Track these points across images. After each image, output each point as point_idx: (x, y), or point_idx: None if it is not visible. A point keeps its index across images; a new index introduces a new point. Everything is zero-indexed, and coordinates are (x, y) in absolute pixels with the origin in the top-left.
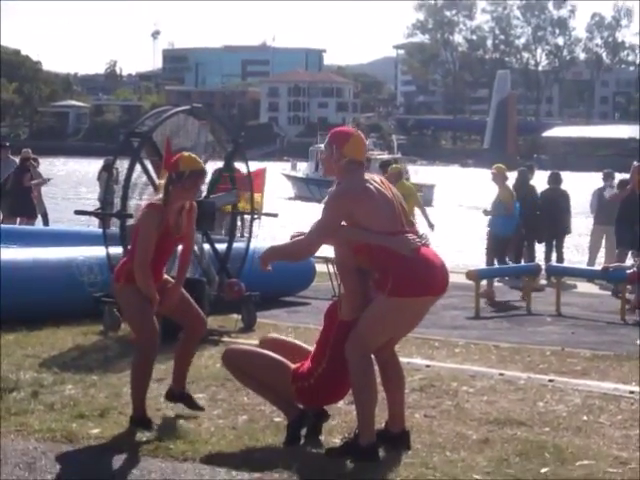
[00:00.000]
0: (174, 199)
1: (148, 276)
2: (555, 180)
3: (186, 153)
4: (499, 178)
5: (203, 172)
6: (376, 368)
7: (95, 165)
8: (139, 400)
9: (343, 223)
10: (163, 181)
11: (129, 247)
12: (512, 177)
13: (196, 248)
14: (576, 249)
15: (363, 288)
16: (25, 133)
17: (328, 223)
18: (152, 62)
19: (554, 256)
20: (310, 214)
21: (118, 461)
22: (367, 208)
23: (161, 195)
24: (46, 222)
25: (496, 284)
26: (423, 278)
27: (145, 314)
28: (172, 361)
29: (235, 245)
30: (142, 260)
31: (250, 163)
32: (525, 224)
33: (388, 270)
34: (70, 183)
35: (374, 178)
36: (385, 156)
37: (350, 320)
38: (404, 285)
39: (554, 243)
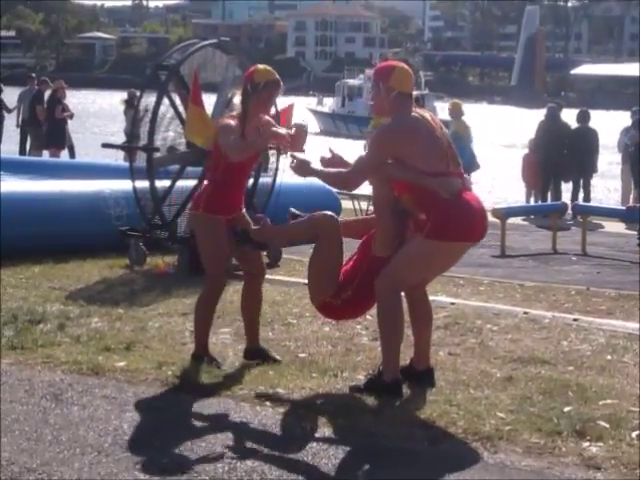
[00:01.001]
0: (251, 113)
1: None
2: (584, 118)
3: (261, 65)
4: (455, 113)
5: (278, 83)
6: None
7: (121, 97)
8: (203, 335)
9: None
10: (238, 95)
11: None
12: (540, 114)
13: None
14: (608, 190)
15: (399, 227)
16: (52, 65)
17: (373, 159)
18: None
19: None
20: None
21: (143, 394)
22: (413, 147)
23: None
24: (72, 155)
25: (522, 222)
26: (462, 223)
27: (219, 246)
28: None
29: (261, 180)
30: (238, 150)
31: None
32: (552, 162)
33: (429, 211)
34: (96, 116)
35: (424, 115)
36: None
37: (383, 256)
38: (442, 228)
39: (581, 182)
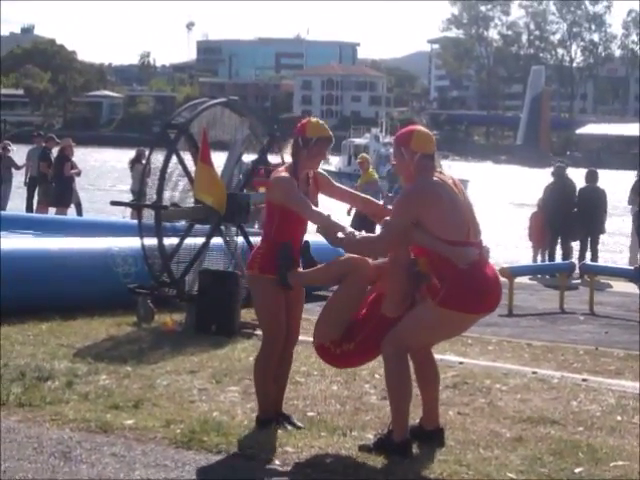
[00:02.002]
0: (301, 166)
1: (320, 215)
2: (592, 178)
3: (314, 119)
4: (364, 166)
5: (330, 139)
6: (411, 365)
7: (128, 155)
8: (266, 398)
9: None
10: (289, 149)
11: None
12: (546, 173)
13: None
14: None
15: (412, 289)
16: (59, 122)
17: (399, 222)
18: (186, 53)
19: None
20: (343, 207)
21: (152, 452)
22: (435, 211)
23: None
24: (79, 212)
25: (529, 282)
26: (475, 295)
27: (275, 306)
28: (206, 354)
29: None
30: (304, 207)
31: (285, 156)
32: (561, 221)
33: (444, 278)
34: (103, 173)
35: (446, 180)
36: None
37: (392, 317)
38: (455, 298)
39: (589, 241)
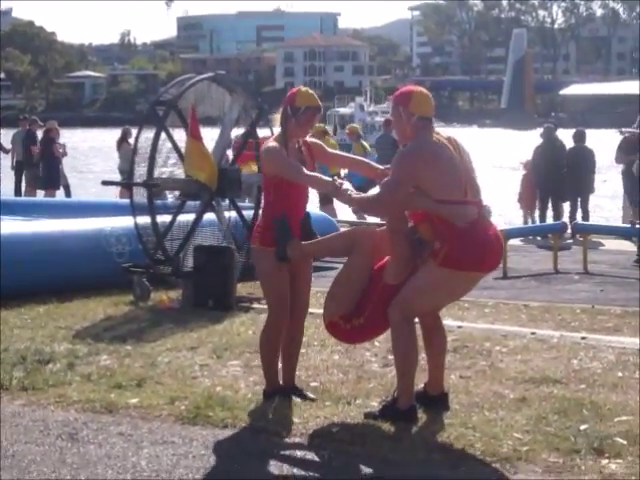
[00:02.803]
0: (290, 135)
1: (315, 178)
2: (580, 138)
3: (303, 88)
4: (353, 136)
5: (319, 108)
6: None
7: (113, 135)
8: (272, 371)
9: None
10: (278, 116)
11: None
12: (532, 135)
13: (224, 215)
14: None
15: (413, 256)
16: (41, 105)
17: (398, 181)
18: (166, 30)
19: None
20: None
21: (159, 430)
22: (432, 172)
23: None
24: (68, 194)
25: (521, 244)
26: (475, 253)
27: (278, 278)
28: (205, 329)
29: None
30: (297, 173)
31: (274, 129)
32: (551, 182)
33: (444, 239)
34: (88, 154)
35: (443, 141)
36: None
37: (395, 284)
38: (456, 257)
39: (579, 201)
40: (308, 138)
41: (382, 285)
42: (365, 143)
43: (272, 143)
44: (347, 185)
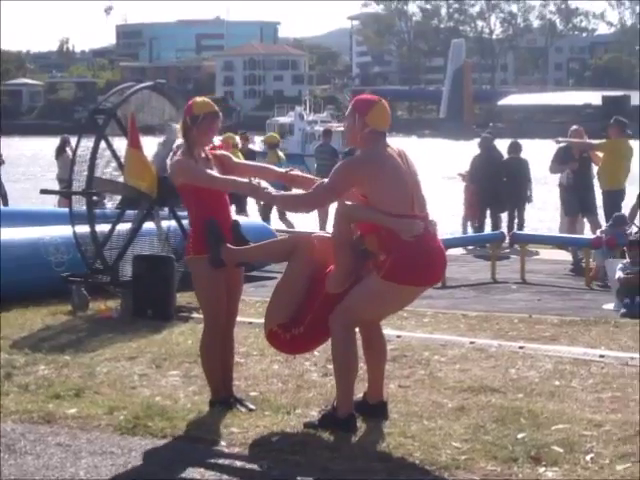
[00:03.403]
0: (194, 144)
1: (226, 181)
2: (515, 149)
3: (199, 97)
4: (270, 144)
5: (217, 114)
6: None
7: (51, 143)
8: (214, 379)
9: (348, 202)
10: (179, 127)
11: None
12: (470, 146)
13: (163, 225)
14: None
15: (357, 266)
16: None
17: (334, 184)
18: (105, 38)
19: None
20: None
21: (98, 440)
22: (376, 184)
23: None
24: (5, 202)
25: (459, 253)
26: (420, 267)
27: (214, 286)
28: (144, 339)
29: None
30: (207, 180)
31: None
32: (489, 192)
33: (389, 252)
34: (26, 162)
35: (393, 154)
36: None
37: (336, 293)
38: (400, 271)
39: (516, 212)
40: (216, 151)
41: (324, 294)
42: (280, 153)
43: (177, 157)
44: (265, 184)
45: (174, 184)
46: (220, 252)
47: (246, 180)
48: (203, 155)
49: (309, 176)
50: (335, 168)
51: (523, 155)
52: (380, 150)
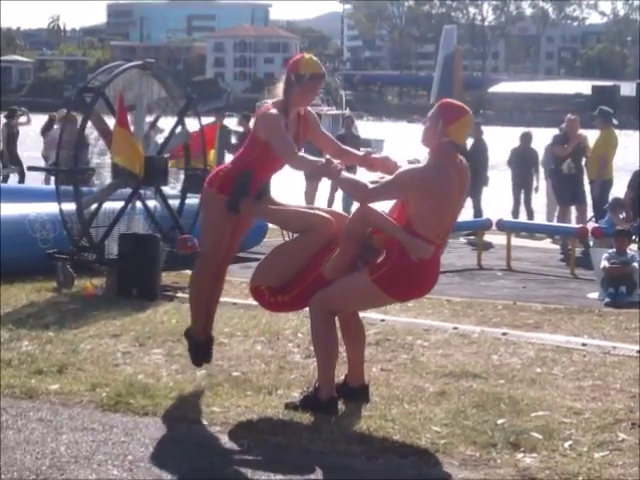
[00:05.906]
0: (292, 103)
1: (304, 160)
2: (526, 139)
3: (307, 55)
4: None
5: (323, 76)
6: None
7: (40, 121)
8: (198, 312)
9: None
10: (281, 84)
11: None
12: None
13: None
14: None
15: (357, 260)
16: None
17: (393, 190)
18: (96, 16)
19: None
20: None
21: (79, 416)
22: (427, 204)
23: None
24: (22, 179)
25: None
26: (411, 284)
27: (222, 227)
28: (128, 317)
29: (188, 201)
30: (288, 153)
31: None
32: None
33: (389, 258)
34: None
35: (456, 173)
36: (334, 111)
37: (329, 279)
38: (392, 283)
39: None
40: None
41: (318, 273)
42: None
43: (274, 110)
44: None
45: (252, 130)
46: (239, 202)
47: (319, 160)
48: (297, 116)
49: (386, 159)
50: (401, 172)
51: (519, 144)
52: (448, 168)
